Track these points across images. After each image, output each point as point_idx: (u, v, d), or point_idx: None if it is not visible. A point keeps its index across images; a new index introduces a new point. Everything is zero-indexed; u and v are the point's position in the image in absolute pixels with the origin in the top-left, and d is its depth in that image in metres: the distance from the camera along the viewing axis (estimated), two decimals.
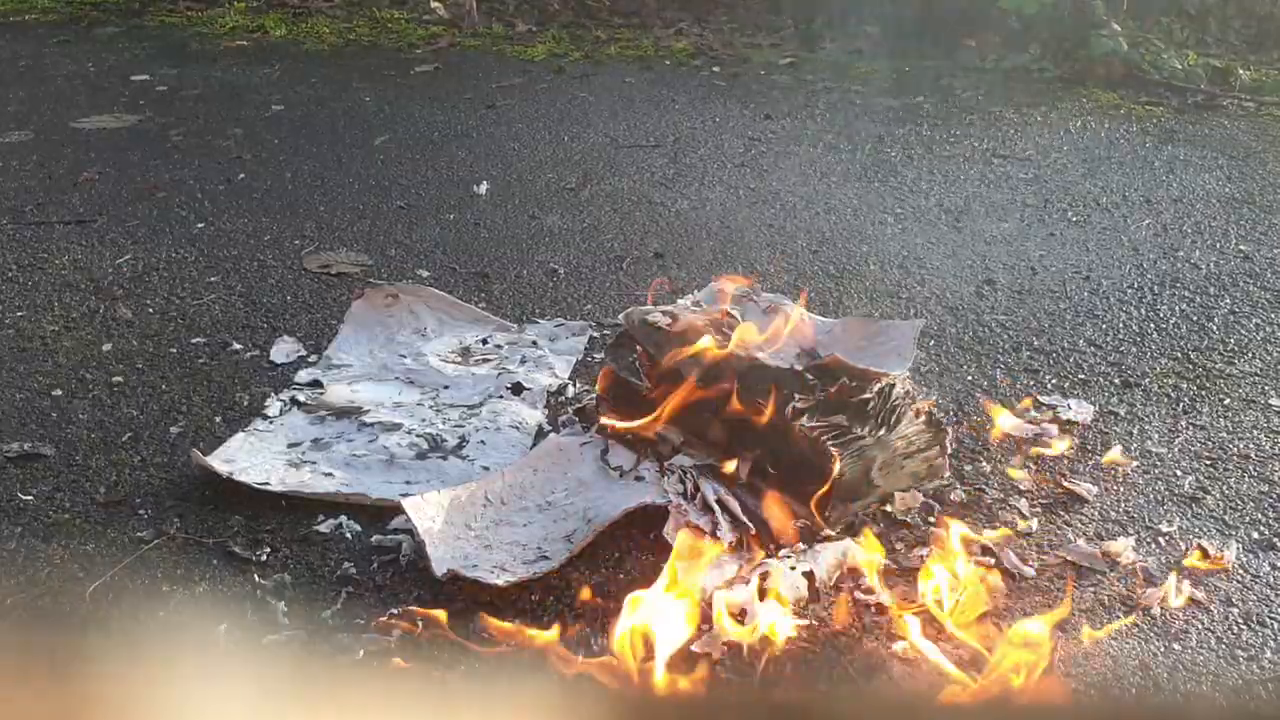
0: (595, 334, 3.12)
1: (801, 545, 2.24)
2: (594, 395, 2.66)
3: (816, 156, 4.44)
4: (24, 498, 2.48)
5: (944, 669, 1.96)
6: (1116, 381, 2.90)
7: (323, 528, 2.37)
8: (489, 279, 3.47)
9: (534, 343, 3.08)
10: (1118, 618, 2.12)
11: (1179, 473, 2.54)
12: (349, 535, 2.35)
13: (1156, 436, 2.67)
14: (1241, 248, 3.64)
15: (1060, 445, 2.60)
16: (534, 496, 2.42)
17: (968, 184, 4.17)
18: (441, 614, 2.10)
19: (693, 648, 2.03)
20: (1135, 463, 2.55)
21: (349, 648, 2.06)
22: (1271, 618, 2.13)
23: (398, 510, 2.34)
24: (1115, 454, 2.56)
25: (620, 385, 2.55)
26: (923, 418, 2.43)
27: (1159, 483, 2.51)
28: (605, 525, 2.28)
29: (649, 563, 2.24)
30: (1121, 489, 2.48)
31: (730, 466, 2.35)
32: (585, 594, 2.15)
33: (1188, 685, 1.99)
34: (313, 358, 3.03)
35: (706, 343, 2.42)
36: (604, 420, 2.52)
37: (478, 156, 4.46)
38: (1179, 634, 2.09)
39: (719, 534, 2.25)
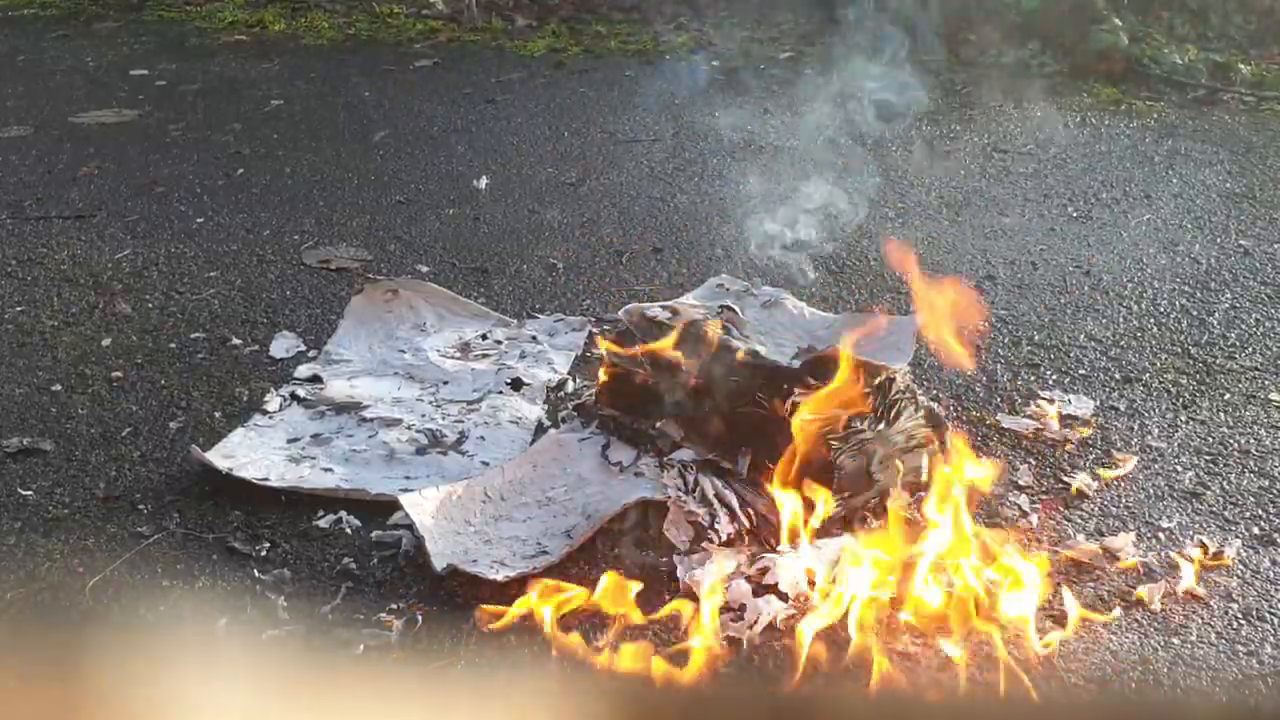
0: (594, 329, 3.12)
1: (801, 540, 2.24)
2: (594, 390, 2.66)
3: (816, 151, 4.43)
4: (24, 493, 2.48)
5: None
6: (1117, 376, 2.89)
7: (322, 523, 2.37)
8: (488, 274, 3.47)
9: (533, 338, 3.08)
10: (1118, 613, 2.12)
11: (1179, 468, 2.54)
12: (349, 530, 2.35)
13: (1156, 431, 2.67)
14: (1242, 242, 3.64)
15: (1060, 440, 2.61)
16: (533, 492, 2.42)
17: (968, 178, 4.17)
18: (441, 609, 2.10)
19: (692, 643, 2.03)
20: (1135, 459, 2.55)
21: (349, 642, 2.06)
22: (1271, 613, 2.13)
23: (397, 505, 2.34)
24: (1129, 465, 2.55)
25: (621, 380, 2.54)
26: (922, 412, 2.43)
27: (1159, 478, 2.51)
28: (605, 520, 2.28)
29: (648, 559, 2.24)
30: (1121, 484, 2.48)
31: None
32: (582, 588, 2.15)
33: (1187, 680, 1.99)
34: (312, 353, 3.02)
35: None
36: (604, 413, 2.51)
37: (477, 151, 4.45)
38: (1179, 629, 2.09)
39: (717, 528, 2.25)
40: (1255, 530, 2.35)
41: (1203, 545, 2.27)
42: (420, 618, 2.11)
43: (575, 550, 2.24)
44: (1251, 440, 2.64)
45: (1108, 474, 2.49)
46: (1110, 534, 2.32)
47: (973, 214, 3.87)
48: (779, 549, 2.22)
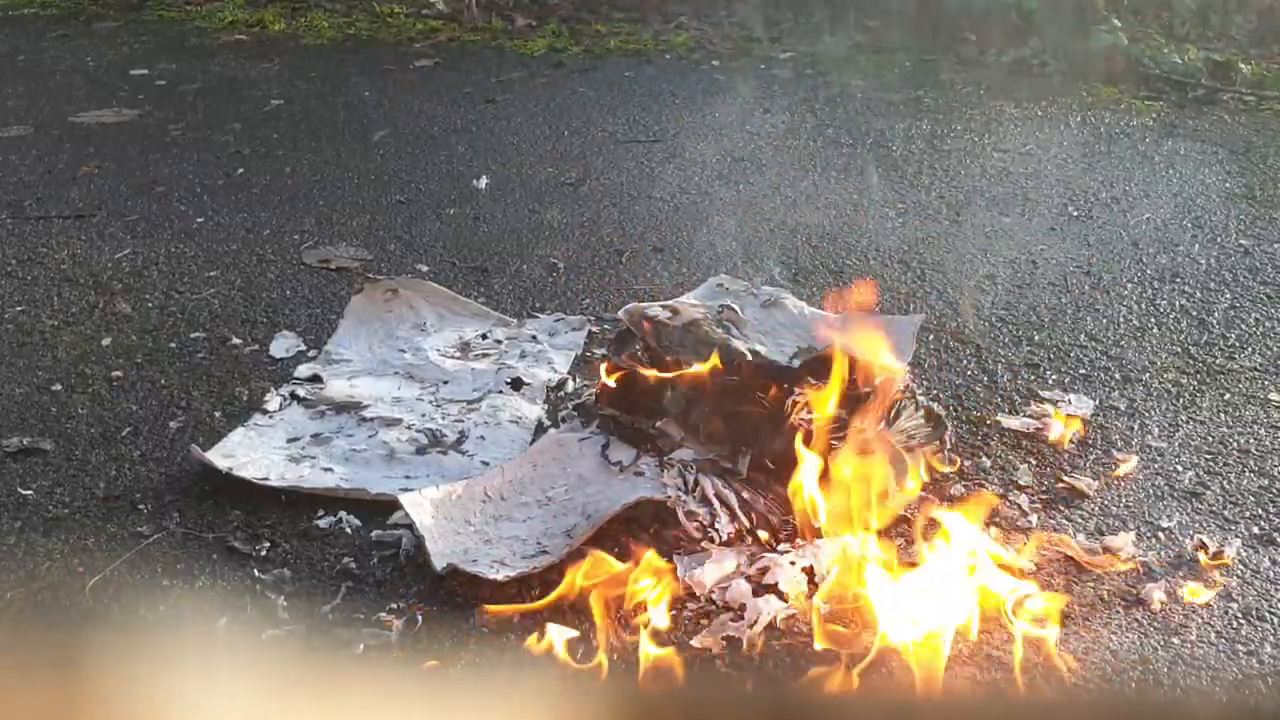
0: (594, 329, 3.12)
1: (800, 540, 2.24)
2: (594, 390, 2.66)
3: (816, 151, 4.43)
4: (24, 492, 2.48)
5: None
6: (1117, 376, 2.89)
7: (322, 523, 2.37)
8: (488, 274, 3.47)
9: (533, 337, 3.08)
10: (1118, 613, 2.12)
11: (1179, 468, 2.54)
12: (349, 530, 2.35)
13: (1156, 431, 2.67)
14: (1242, 242, 3.64)
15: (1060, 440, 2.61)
16: (533, 492, 2.42)
17: (968, 178, 4.17)
18: (441, 609, 2.10)
19: (692, 642, 2.03)
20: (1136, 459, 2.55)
21: (349, 642, 2.06)
22: (1271, 613, 2.13)
23: (397, 505, 2.34)
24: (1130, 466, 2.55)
25: (622, 379, 2.54)
26: (922, 412, 2.43)
27: (1159, 478, 2.51)
28: (604, 520, 2.28)
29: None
30: (1121, 484, 2.48)
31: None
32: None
33: (1187, 680, 1.99)
34: (312, 353, 3.03)
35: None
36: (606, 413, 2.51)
37: (477, 151, 4.45)
38: (1179, 629, 2.09)
39: (717, 527, 2.25)
40: (1255, 530, 2.35)
41: (1203, 545, 2.27)
42: (420, 618, 2.11)
43: (575, 549, 2.24)
44: (1251, 440, 2.64)
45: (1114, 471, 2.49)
46: (1110, 534, 2.32)
47: (972, 214, 3.87)
48: (779, 548, 2.23)
